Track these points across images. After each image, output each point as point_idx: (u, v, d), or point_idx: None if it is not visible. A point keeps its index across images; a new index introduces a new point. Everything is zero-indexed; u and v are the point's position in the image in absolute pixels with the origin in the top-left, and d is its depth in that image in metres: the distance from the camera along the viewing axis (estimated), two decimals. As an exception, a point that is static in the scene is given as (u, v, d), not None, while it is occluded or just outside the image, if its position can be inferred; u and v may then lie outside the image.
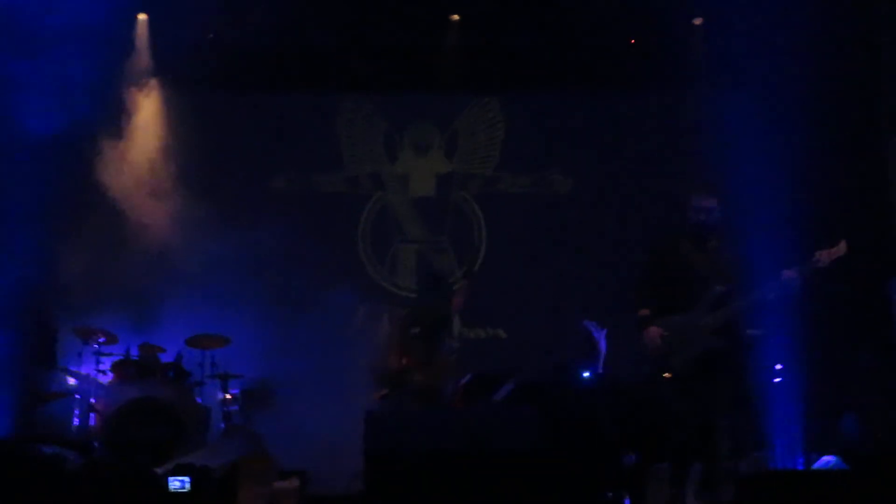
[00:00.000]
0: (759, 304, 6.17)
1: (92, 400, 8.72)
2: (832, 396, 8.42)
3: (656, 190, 10.60)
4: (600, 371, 8.11)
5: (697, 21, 10.10)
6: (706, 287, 6.01)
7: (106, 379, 8.97)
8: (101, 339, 9.01)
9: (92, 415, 8.68)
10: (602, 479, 6.79)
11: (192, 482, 5.92)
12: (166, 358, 9.32)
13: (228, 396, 9.16)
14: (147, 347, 9.28)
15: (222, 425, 9.03)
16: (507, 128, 11.21)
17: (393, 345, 8.14)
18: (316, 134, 11.09)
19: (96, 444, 8.42)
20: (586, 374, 8.13)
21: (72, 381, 8.94)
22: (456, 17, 10.37)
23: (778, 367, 8.26)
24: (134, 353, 9.16)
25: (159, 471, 6.43)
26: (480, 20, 10.43)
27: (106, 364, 9.03)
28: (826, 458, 7.41)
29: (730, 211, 6.76)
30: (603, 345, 8.15)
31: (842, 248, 5.86)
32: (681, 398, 6.04)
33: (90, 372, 8.95)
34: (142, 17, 10.19)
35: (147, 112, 10.36)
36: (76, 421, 8.66)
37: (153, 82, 10.35)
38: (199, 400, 9.02)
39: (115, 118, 10.10)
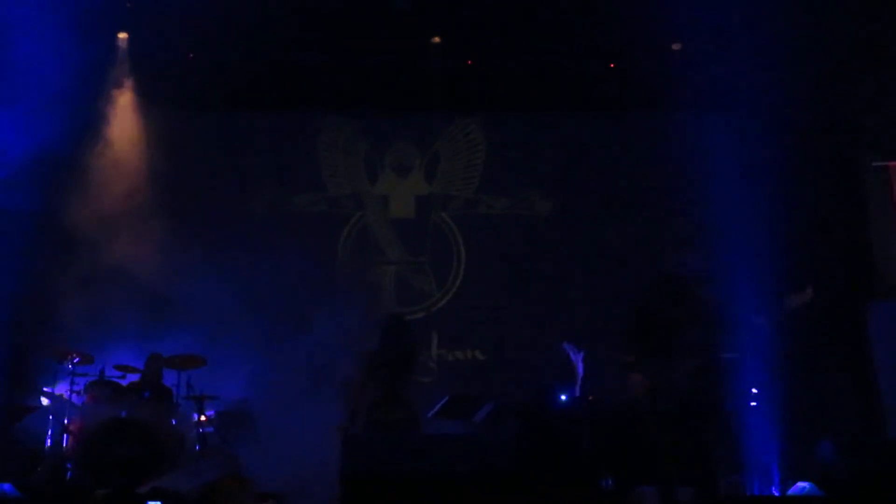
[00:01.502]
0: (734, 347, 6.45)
1: (65, 420, 8.64)
2: (808, 422, 8.43)
3: (635, 212, 10.66)
4: (578, 393, 8.10)
5: (676, 46, 10.14)
6: (685, 334, 6.21)
7: (80, 399, 8.89)
8: (75, 360, 8.92)
9: (66, 435, 8.58)
10: (577, 502, 6.78)
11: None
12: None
13: (204, 418, 9.07)
14: (155, 358, 9.20)
15: (198, 447, 8.94)
16: (488, 150, 11.23)
17: (360, 382, 8.11)
18: (296, 154, 11.08)
19: (69, 465, 8.35)
20: (564, 397, 8.13)
21: (45, 401, 8.86)
22: (437, 39, 10.37)
23: (754, 391, 8.28)
24: (109, 373, 9.09)
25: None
26: (462, 43, 10.44)
27: (80, 385, 8.94)
28: (801, 484, 7.42)
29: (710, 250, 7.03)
30: (581, 367, 8.15)
31: (808, 293, 6.07)
32: (665, 432, 6.24)
33: (64, 392, 8.86)
34: (122, 35, 10.12)
35: (126, 132, 10.29)
36: (49, 441, 8.56)
37: (133, 101, 10.28)
38: (174, 421, 8.93)
39: (94, 139, 10.03)
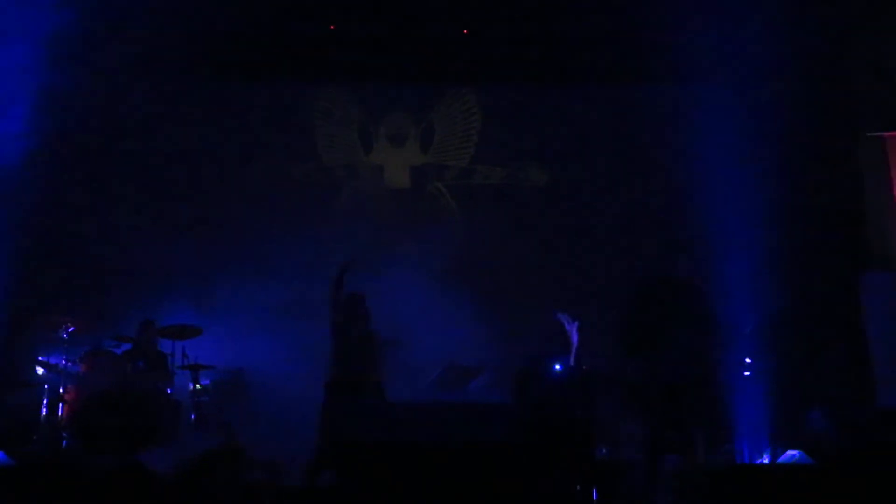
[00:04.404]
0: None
1: (61, 390, 8.65)
2: (799, 391, 8.47)
3: (632, 183, 10.65)
4: (572, 364, 8.13)
5: (673, 17, 10.08)
6: (676, 326, 6.73)
7: (76, 369, 8.90)
8: (70, 329, 8.91)
9: (61, 405, 8.60)
10: (572, 471, 6.82)
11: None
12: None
13: (199, 387, 9.10)
14: (147, 325, 9.21)
15: (193, 416, 8.97)
16: (483, 120, 11.20)
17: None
18: (291, 125, 11.03)
19: (64, 435, 8.37)
20: (558, 367, 8.15)
21: (41, 371, 8.87)
22: (433, 8, 10.32)
23: (747, 360, 8.32)
24: (105, 343, 9.10)
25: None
26: (457, 12, 10.39)
27: (76, 354, 8.94)
28: (791, 453, 7.45)
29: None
30: (575, 337, 8.16)
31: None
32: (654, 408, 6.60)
33: (59, 362, 8.87)
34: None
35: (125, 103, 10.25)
36: (44, 411, 8.58)
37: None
38: (169, 391, 8.95)
39: (95, 112, 9.98)
